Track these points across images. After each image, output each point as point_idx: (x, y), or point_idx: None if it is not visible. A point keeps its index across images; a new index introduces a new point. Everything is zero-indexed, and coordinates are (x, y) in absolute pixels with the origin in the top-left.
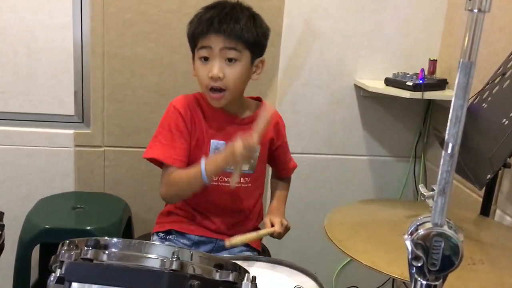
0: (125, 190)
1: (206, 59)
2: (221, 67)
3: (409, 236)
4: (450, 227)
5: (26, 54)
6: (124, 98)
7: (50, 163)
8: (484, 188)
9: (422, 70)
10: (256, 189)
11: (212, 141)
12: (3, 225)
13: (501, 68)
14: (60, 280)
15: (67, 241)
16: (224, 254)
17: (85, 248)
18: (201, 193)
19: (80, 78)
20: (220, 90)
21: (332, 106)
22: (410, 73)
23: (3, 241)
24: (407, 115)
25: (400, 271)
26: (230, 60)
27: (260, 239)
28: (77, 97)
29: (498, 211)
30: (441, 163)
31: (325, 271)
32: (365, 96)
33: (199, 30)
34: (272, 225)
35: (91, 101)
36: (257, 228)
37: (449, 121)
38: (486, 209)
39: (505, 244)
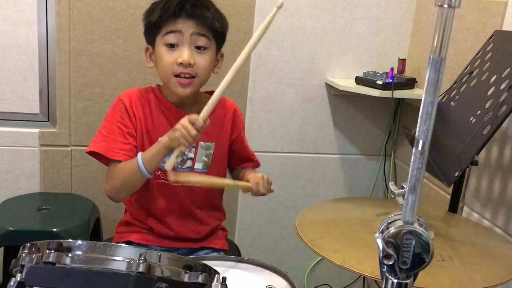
0: (93, 190)
1: (172, 46)
2: (191, 53)
3: (380, 235)
4: (420, 225)
5: None
6: (92, 96)
7: (15, 163)
8: (452, 186)
9: (392, 69)
10: (213, 188)
11: (160, 138)
12: None
13: (468, 67)
14: (20, 285)
15: (28, 244)
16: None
17: (47, 251)
18: (155, 195)
19: (46, 75)
20: (189, 77)
21: (304, 104)
22: (380, 72)
23: None
24: (377, 113)
25: (371, 269)
26: (199, 48)
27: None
28: (42, 95)
29: (465, 208)
30: (412, 160)
31: (297, 269)
32: (336, 94)
33: (168, 14)
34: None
35: (57, 99)
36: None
37: (419, 117)
38: (454, 206)
39: (473, 240)
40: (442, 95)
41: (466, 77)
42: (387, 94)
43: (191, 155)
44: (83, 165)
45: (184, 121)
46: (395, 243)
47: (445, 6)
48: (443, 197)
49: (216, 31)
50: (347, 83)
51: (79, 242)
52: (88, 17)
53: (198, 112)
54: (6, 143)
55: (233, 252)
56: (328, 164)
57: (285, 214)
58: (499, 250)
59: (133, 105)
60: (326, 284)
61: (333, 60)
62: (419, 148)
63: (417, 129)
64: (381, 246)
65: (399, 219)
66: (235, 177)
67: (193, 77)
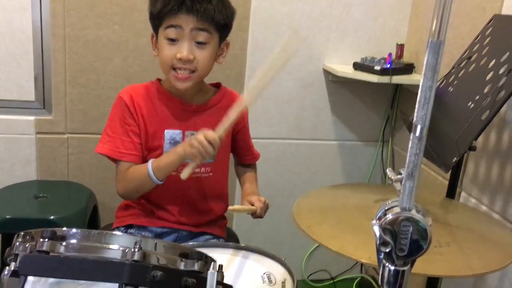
0: (90, 178)
1: (173, 40)
2: (191, 49)
3: (377, 221)
4: (418, 211)
5: None
6: (88, 82)
7: (11, 151)
8: (450, 171)
9: (390, 54)
10: (219, 178)
11: (166, 131)
12: None
13: (466, 52)
14: (14, 273)
15: (22, 233)
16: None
17: (41, 239)
18: (163, 186)
19: (41, 62)
20: (188, 71)
21: (301, 90)
22: (378, 58)
23: None
24: (375, 99)
25: (368, 255)
26: (199, 42)
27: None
28: (37, 82)
29: (463, 193)
30: (409, 146)
31: (295, 255)
32: (333, 80)
33: (168, 8)
34: (252, 205)
35: (53, 86)
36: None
37: (417, 102)
38: (451, 192)
39: (471, 226)
40: (440, 80)
41: (465, 62)
42: (385, 79)
43: None
44: (79, 152)
45: (201, 138)
46: (392, 230)
47: None
48: (441, 182)
49: (218, 23)
50: (345, 69)
51: (74, 230)
52: (83, 3)
53: (202, 103)
54: (1, 131)
55: (231, 239)
56: (326, 150)
57: (282, 201)
58: (496, 235)
59: (134, 101)
60: (324, 270)
61: (330, 46)
62: (417, 133)
63: (415, 114)
64: (378, 233)
65: (396, 206)
66: (237, 175)
67: (192, 71)
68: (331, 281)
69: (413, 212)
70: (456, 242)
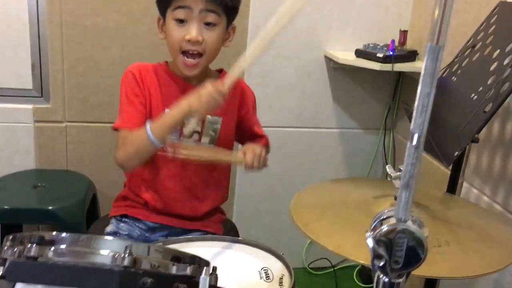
0: (89, 166)
1: (181, 21)
2: (200, 30)
3: (371, 233)
4: (414, 222)
5: None
6: (86, 71)
7: (9, 140)
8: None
9: (393, 41)
10: (219, 166)
11: (167, 110)
12: None
13: (471, 40)
14: (3, 277)
15: (11, 236)
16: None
17: (29, 244)
18: (162, 166)
19: (37, 50)
20: (196, 55)
21: (302, 78)
22: (381, 45)
23: None
24: (377, 87)
25: (366, 256)
26: (208, 24)
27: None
28: (34, 70)
29: (465, 184)
30: (406, 154)
31: (296, 244)
32: (335, 68)
33: None
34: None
35: (50, 74)
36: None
37: (415, 110)
38: (453, 185)
39: (471, 223)
40: (444, 69)
41: (469, 50)
42: (387, 67)
43: (198, 128)
44: (78, 141)
45: (210, 87)
46: (387, 242)
47: None
48: (443, 172)
49: (226, 5)
50: (347, 56)
51: (63, 235)
52: None
53: (203, 84)
54: None
55: (230, 231)
56: (327, 139)
57: (283, 190)
58: (498, 232)
59: (142, 74)
60: (325, 258)
61: (332, 32)
62: (414, 142)
63: (412, 121)
64: (371, 246)
65: (392, 216)
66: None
67: (200, 54)
68: (332, 269)
69: (409, 223)
70: (456, 241)
